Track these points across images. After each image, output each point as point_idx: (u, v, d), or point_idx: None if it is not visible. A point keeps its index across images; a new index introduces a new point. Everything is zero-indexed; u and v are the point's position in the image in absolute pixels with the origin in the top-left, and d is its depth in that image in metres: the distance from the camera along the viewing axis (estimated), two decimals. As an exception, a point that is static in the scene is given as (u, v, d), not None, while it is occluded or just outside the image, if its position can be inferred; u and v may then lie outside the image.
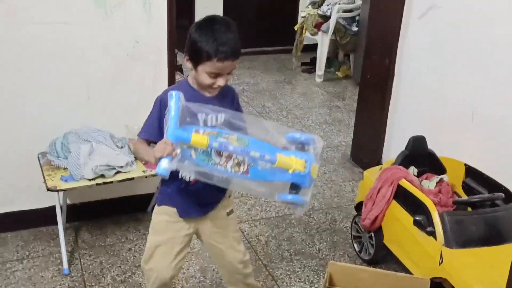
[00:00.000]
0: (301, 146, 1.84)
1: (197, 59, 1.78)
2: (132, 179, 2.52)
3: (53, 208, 2.56)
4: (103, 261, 2.62)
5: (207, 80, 1.80)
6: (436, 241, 2.16)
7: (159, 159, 1.66)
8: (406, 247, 2.36)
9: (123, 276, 2.53)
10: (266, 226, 2.97)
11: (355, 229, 2.75)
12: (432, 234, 2.19)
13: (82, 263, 2.60)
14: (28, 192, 2.77)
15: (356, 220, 2.72)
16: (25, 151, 2.65)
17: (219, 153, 1.75)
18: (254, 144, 1.77)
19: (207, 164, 1.74)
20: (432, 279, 2.19)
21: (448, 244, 2.13)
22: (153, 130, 1.85)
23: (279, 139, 1.83)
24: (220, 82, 1.81)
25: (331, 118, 4.62)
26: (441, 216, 2.18)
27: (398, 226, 2.39)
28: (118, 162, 2.50)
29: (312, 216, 3.10)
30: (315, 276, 2.56)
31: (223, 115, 1.83)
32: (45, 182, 2.44)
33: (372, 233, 2.57)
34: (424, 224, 2.21)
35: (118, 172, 2.51)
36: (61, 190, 2.41)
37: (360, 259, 2.70)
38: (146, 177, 2.54)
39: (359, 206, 2.72)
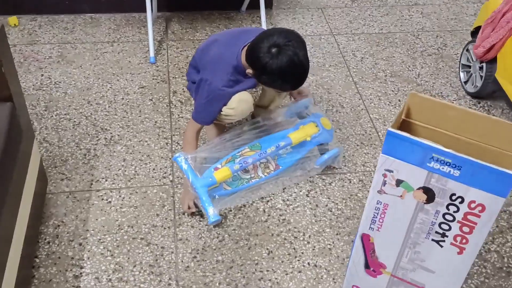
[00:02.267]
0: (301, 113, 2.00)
1: (270, 84, 1.76)
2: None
3: (145, -6, 2.46)
4: (189, 55, 2.55)
5: (271, 93, 1.95)
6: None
7: (205, 210, 1.74)
8: (520, 84, 2.04)
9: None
10: (365, 42, 2.70)
11: (466, 57, 2.41)
12: (556, 74, 1.83)
13: (168, 54, 2.55)
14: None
15: (469, 47, 2.36)
16: None
17: (245, 170, 1.87)
18: (265, 143, 1.88)
19: (243, 185, 1.85)
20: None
21: None
22: (211, 119, 1.86)
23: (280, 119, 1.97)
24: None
25: None
26: None
27: (517, 60, 2.04)
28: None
29: (419, 37, 2.76)
30: (408, 102, 2.34)
31: None
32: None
33: (484, 64, 2.23)
34: (549, 61, 1.85)
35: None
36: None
37: (464, 91, 2.41)
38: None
39: (476, 31, 2.34)
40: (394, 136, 1.14)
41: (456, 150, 1.08)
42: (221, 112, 1.85)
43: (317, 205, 1.87)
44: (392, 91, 2.41)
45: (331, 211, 1.86)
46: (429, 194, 1.16)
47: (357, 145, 2.12)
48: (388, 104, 2.33)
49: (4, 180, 1.41)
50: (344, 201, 1.89)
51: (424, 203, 1.18)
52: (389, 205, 1.24)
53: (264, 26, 2.58)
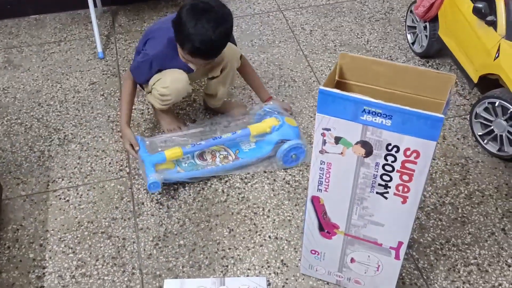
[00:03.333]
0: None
1: (179, 42, 1.75)
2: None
3: (90, -10, 2.44)
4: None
5: (185, 61, 1.81)
6: (496, 32, 1.85)
7: (147, 176, 1.74)
8: (461, 39, 2.06)
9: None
10: (313, 15, 2.71)
11: (410, 19, 2.43)
12: (493, 24, 1.86)
13: (117, 48, 2.53)
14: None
15: (412, 8, 2.39)
16: None
17: (202, 158, 1.88)
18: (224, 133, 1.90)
19: (197, 171, 1.84)
20: (485, 76, 1.94)
21: (509, 36, 1.81)
22: (144, 77, 1.89)
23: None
24: (193, 67, 1.84)
25: None
26: (506, 3, 1.82)
27: (456, 16, 2.06)
28: None
29: (366, 4, 2.77)
30: (358, 69, 2.36)
31: None
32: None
33: (427, 23, 2.26)
34: (485, 12, 1.88)
35: None
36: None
37: (412, 52, 2.43)
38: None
39: (417, -8, 2.37)
40: (326, 94, 1.15)
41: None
42: (157, 92, 1.86)
43: (274, 180, 1.88)
44: (342, 60, 2.42)
45: (288, 183, 1.87)
46: (367, 147, 1.18)
47: (311, 117, 2.13)
48: (340, 73, 2.34)
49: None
50: (301, 173, 1.90)
51: (364, 157, 1.20)
52: (332, 164, 1.25)
53: (210, 10, 2.56)
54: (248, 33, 2.59)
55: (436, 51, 2.31)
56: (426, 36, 2.29)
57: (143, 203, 1.82)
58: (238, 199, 1.82)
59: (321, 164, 1.27)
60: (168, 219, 1.76)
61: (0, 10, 2.66)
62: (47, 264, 1.64)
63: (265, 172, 1.90)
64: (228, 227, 1.73)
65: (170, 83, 1.83)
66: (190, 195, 1.84)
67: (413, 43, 2.44)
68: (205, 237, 1.70)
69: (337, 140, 1.20)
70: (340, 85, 1.30)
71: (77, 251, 1.68)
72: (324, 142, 1.22)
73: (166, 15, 2.72)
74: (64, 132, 2.09)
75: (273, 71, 2.36)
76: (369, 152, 1.18)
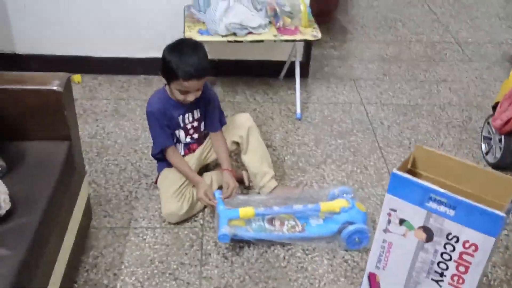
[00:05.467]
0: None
1: (167, 77, 2.03)
2: (262, 41, 2.55)
3: (192, 60, 2.74)
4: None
5: (178, 96, 2.05)
6: None
7: (219, 227, 1.95)
8: (535, 155, 2.15)
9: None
10: (393, 112, 2.88)
11: (487, 130, 2.54)
12: None
13: (209, 114, 2.79)
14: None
15: (489, 120, 2.51)
16: (175, 2, 2.82)
17: (271, 223, 2.03)
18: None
19: (265, 234, 2.00)
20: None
21: None
22: (167, 138, 2.14)
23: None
24: (190, 98, 2.04)
25: (505, 11, 4.13)
26: None
27: (532, 132, 2.16)
28: (251, 23, 2.53)
29: (445, 110, 2.92)
30: (430, 168, 2.47)
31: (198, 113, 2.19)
32: (184, 32, 2.59)
33: (503, 136, 2.36)
34: (561, 133, 1.97)
35: (250, 33, 2.56)
36: (196, 41, 2.54)
37: (485, 161, 2.52)
38: (275, 41, 2.56)
39: (496, 106, 2.49)
40: (398, 177, 1.29)
41: (454, 196, 1.22)
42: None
43: (334, 256, 1.99)
44: (416, 157, 2.54)
45: (347, 262, 1.96)
46: (428, 233, 1.29)
47: (378, 204, 2.24)
48: (411, 169, 2.46)
49: (54, 209, 1.60)
50: (360, 255, 2.00)
51: (424, 242, 1.30)
52: (393, 244, 1.36)
53: (297, 93, 2.80)
54: (330, 119, 2.79)
55: (509, 164, 2.38)
56: (500, 148, 2.39)
57: (210, 254, 1.97)
58: (297, 267, 1.93)
59: (383, 242, 1.38)
60: (231, 273, 1.90)
61: (116, 67, 3.03)
62: (117, 292, 1.81)
63: (326, 247, 2.02)
64: (284, 291, 1.84)
65: (166, 214, 2.10)
66: (253, 255, 1.97)
67: (486, 153, 2.53)
68: (262, 296, 1.82)
69: (401, 222, 1.33)
70: (411, 174, 1.44)
71: (145, 286, 1.84)
72: (389, 222, 1.35)
73: (257, 91, 2.99)
74: (152, 179, 2.32)
75: (347, 156, 2.52)
76: (429, 238, 1.29)
